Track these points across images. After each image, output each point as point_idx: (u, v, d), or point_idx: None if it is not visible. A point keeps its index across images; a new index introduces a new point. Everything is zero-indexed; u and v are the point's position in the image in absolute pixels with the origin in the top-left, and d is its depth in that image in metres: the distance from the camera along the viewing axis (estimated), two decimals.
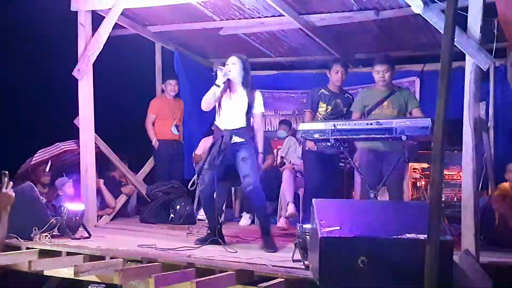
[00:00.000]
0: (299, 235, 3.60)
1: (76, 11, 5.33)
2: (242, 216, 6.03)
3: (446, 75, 1.85)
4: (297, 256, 3.57)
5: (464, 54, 3.80)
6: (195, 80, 6.94)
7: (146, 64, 6.93)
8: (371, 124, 3.92)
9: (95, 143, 5.55)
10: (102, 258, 3.84)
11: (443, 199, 4.51)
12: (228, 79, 4.32)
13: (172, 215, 5.90)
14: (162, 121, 6.53)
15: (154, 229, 5.45)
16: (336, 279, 2.90)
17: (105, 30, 5.25)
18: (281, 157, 6.32)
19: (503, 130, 6.02)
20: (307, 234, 3.48)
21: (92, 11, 5.36)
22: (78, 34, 5.33)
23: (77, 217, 4.57)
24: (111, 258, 3.79)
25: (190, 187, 4.50)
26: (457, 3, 1.89)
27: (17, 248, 4.16)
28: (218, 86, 4.26)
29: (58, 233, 4.48)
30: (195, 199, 6.14)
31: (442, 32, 1.89)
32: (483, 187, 4.80)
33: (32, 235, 4.26)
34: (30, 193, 4.45)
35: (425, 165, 5.50)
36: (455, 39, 2.11)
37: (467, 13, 3.76)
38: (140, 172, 6.57)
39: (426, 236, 2.00)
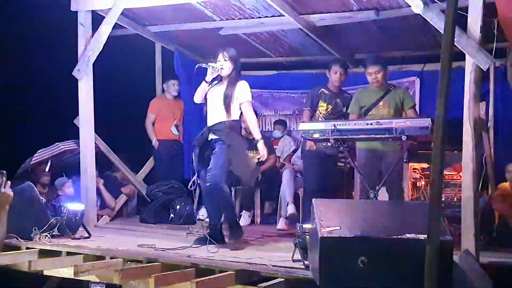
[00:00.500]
0: (299, 235, 3.59)
1: (76, 11, 5.34)
2: (241, 215, 6.03)
3: (446, 75, 1.84)
4: (297, 256, 3.57)
5: (464, 54, 3.80)
6: (195, 80, 6.92)
7: (146, 64, 6.93)
8: (371, 124, 3.92)
9: (95, 143, 5.55)
10: (102, 258, 3.84)
11: (443, 199, 4.51)
12: (219, 75, 4.32)
13: (172, 215, 5.90)
14: (162, 121, 6.53)
15: (154, 229, 5.45)
16: (336, 279, 2.90)
17: (105, 30, 5.25)
18: (278, 157, 6.34)
19: (503, 130, 6.02)
20: (307, 234, 3.48)
21: (92, 11, 5.37)
22: (78, 34, 5.34)
23: (77, 217, 4.58)
24: (111, 258, 3.80)
25: (190, 187, 4.49)
26: (457, 3, 1.89)
27: (17, 248, 4.17)
28: (207, 82, 4.27)
29: (58, 233, 4.48)
30: (195, 199, 6.13)
31: (442, 32, 1.89)
32: (483, 187, 4.80)
33: (32, 235, 4.26)
34: (30, 193, 4.45)
35: (425, 165, 5.49)
36: (455, 39, 2.11)
37: (467, 13, 3.77)
38: (140, 172, 6.58)
39: (426, 236, 2.00)
